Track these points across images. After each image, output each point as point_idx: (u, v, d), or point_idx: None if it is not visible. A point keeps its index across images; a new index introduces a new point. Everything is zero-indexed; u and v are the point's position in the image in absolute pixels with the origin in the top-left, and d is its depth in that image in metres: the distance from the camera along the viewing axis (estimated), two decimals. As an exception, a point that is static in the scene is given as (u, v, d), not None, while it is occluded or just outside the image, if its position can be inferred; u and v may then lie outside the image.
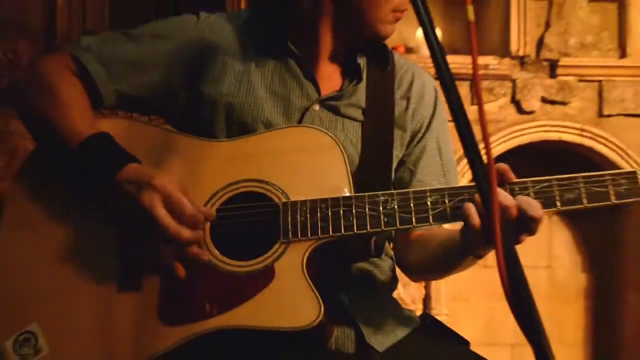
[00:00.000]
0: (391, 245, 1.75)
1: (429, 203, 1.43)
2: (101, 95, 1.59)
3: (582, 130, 3.39)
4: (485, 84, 3.39)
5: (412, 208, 1.43)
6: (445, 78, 1.12)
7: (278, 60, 1.63)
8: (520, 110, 3.42)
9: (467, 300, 3.44)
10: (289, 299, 1.39)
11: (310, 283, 1.39)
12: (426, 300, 3.23)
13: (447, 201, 1.43)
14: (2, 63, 3.05)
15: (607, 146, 3.38)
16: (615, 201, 1.44)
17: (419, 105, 1.73)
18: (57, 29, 3.20)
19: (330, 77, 1.66)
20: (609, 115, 3.46)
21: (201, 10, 1.69)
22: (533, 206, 1.34)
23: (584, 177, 1.44)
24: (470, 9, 1.09)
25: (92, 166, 1.47)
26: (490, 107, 3.37)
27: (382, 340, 1.55)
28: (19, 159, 3.12)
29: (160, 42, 1.62)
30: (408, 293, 2.98)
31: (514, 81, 3.44)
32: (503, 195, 1.37)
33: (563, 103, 3.42)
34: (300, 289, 1.39)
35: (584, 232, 3.71)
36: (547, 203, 1.40)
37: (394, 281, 1.74)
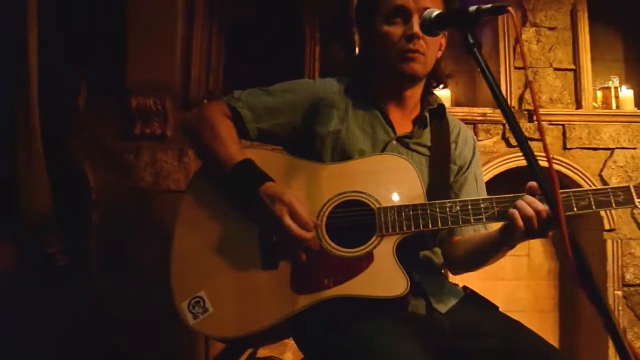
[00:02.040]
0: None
1: (482, 208, 1.39)
2: (248, 130, 1.58)
3: (553, 158, 3.31)
4: (484, 126, 3.34)
5: (470, 211, 1.39)
6: (512, 121, 1.09)
7: (367, 110, 1.60)
8: (508, 144, 3.36)
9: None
10: (385, 276, 1.36)
11: (400, 265, 1.36)
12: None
13: (495, 206, 1.39)
14: (153, 111, 3.08)
15: (570, 170, 3.31)
16: (615, 207, 1.39)
17: (464, 149, 1.69)
18: (190, 89, 3.23)
19: (402, 123, 1.62)
20: (570, 148, 3.38)
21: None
22: None
23: (592, 190, 1.40)
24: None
25: (242, 183, 1.46)
26: (487, 142, 3.32)
27: (443, 306, 1.51)
28: (162, 177, 3.15)
29: (288, 95, 1.60)
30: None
31: (504, 124, 3.37)
32: (537, 203, 1.33)
33: (538, 140, 3.35)
34: (393, 269, 1.36)
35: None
36: (567, 208, 1.36)
37: (443, 264, 1.69)
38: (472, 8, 1.20)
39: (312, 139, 1.57)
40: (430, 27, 1.30)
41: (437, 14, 1.29)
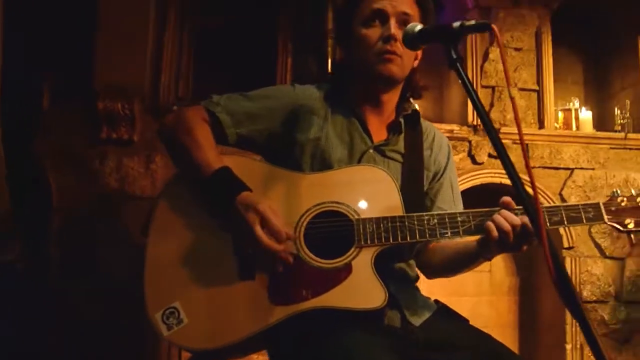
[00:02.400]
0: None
1: (459, 221, 1.40)
2: (227, 135, 1.55)
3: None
4: (450, 143, 3.36)
5: (448, 224, 1.40)
6: (494, 137, 1.11)
7: (346, 118, 1.60)
8: (474, 161, 3.42)
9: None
10: (363, 287, 1.35)
11: (378, 277, 1.35)
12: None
13: (471, 220, 1.40)
14: (121, 116, 3.01)
15: (531, 188, 3.38)
16: (585, 223, 1.43)
17: (438, 155, 1.70)
18: (159, 94, 3.17)
19: (378, 130, 1.62)
20: (533, 167, 3.46)
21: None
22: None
23: (564, 206, 1.43)
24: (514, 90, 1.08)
25: (219, 191, 1.43)
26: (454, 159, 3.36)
27: (417, 319, 1.50)
28: (127, 183, 3.07)
29: (268, 101, 1.59)
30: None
31: (470, 142, 3.43)
32: (514, 217, 1.35)
33: (496, 158, 3.43)
34: (371, 281, 1.35)
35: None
36: (540, 223, 1.38)
37: (417, 277, 1.70)
38: (456, 24, 1.21)
39: (290, 146, 1.55)
40: (413, 41, 1.31)
41: (420, 29, 1.29)
